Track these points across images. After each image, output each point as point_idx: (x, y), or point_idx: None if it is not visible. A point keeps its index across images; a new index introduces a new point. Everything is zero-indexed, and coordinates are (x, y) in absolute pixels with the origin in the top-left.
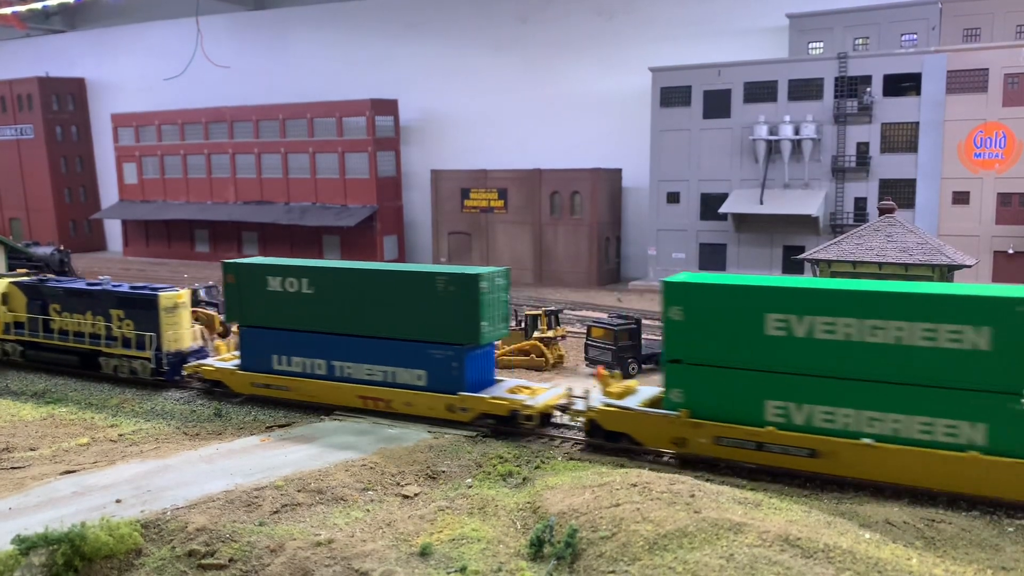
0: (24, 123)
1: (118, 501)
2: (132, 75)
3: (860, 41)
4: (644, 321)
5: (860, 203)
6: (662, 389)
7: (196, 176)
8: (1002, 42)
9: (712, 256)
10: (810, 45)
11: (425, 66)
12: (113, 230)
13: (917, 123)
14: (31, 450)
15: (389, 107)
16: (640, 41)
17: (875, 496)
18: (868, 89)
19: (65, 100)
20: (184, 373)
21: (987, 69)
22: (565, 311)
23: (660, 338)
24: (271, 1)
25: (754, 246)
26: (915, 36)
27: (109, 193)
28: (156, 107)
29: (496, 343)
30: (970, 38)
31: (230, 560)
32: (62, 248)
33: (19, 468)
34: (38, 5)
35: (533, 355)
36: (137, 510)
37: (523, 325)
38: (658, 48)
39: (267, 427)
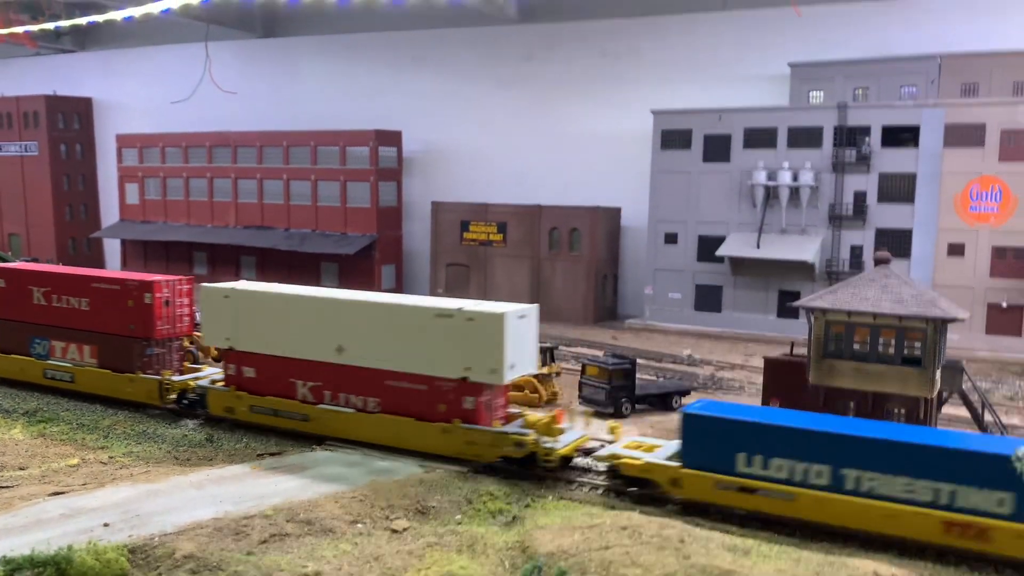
0: (29, 140)
1: (106, 525)
2: (139, 97)
3: (860, 91)
4: (639, 361)
5: (856, 251)
6: None
7: (198, 199)
8: (1000, 98)
9: (708, 298)
10: (810, 94)
11: (430, 99)
12: (112, 249)
13: (914, 174)
14: (20, 469)
15: (393, 138)
16: (643, 84)
17: (864, 547)
18: (867, 139)
19: (71, 118)
20: None
21: (984, 124)
22: (560, 347)
23: (655, 379)
24: (280, 30)
25: (750, 289)
26: (914, 89)
27: (110, 212)
28: (161, 129)
29: None
30: (968, 93)
31: None
32: (61, 266)
33: (8, 488)
34: (50, 25)
35: (527, 391)
36: (125, 535)
37: None
38: (660, 91)
39: (258, 455)
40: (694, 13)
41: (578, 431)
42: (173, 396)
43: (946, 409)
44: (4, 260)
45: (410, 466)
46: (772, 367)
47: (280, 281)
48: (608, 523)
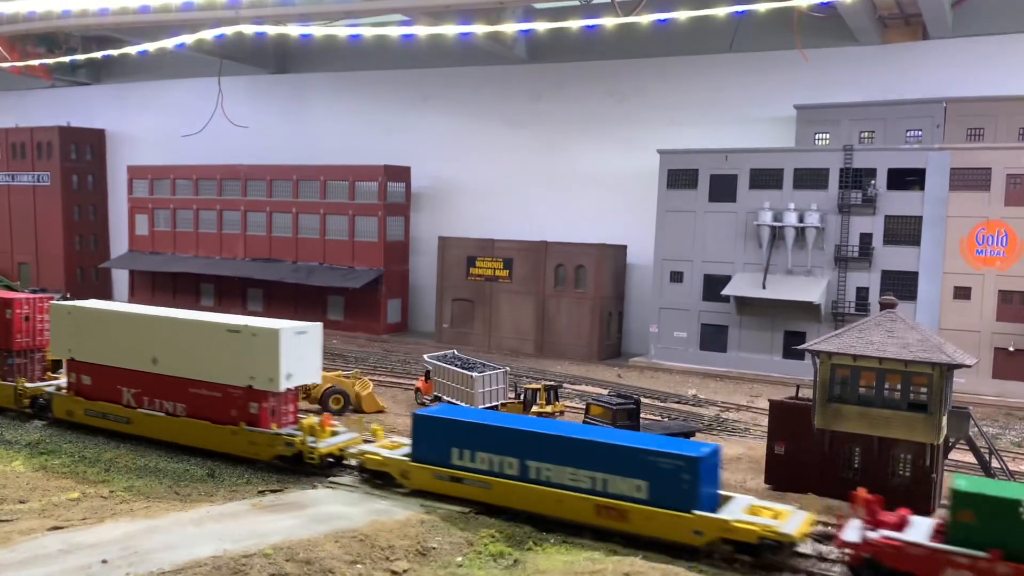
0: (42, 170)
1: (104, 561)
2: (151, 129)
3: (866, 135)
4: (644, 400)
5: (862, 293)
6: None
7: (207, 231)
8: (1005, 143)
9: (714, 337)
10: (817, 136)
11: (439, 136)
12: (120, 279)
13: (920, 217)
14: (20, 503)
15: (402, 174)
16: (650, 124)
17: None
18: (873, 182)
19: (84, 150)
20: None
21: (990, 168)
22: (564, 385)
23: (660, 419)
24: (292, 66)
25: (756, 329)
26: (920, 132)
27: (119, 243)
28: (172, 161)
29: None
30: (974, 138)
31: None
32: (68, 295)
33: (7, 521)
34: (65, 58)
35: None
36: (122, 572)
37: (522, 399)
38: (667, 131)
39: (259, 491)
40: (701, 55)
41: (350, 434)
42: (27, 400)
43: (953, 455)
44: (11, 288)
45: (411, 506)
46: (777, 410)
47: (287, 314)
48: (611, 568)
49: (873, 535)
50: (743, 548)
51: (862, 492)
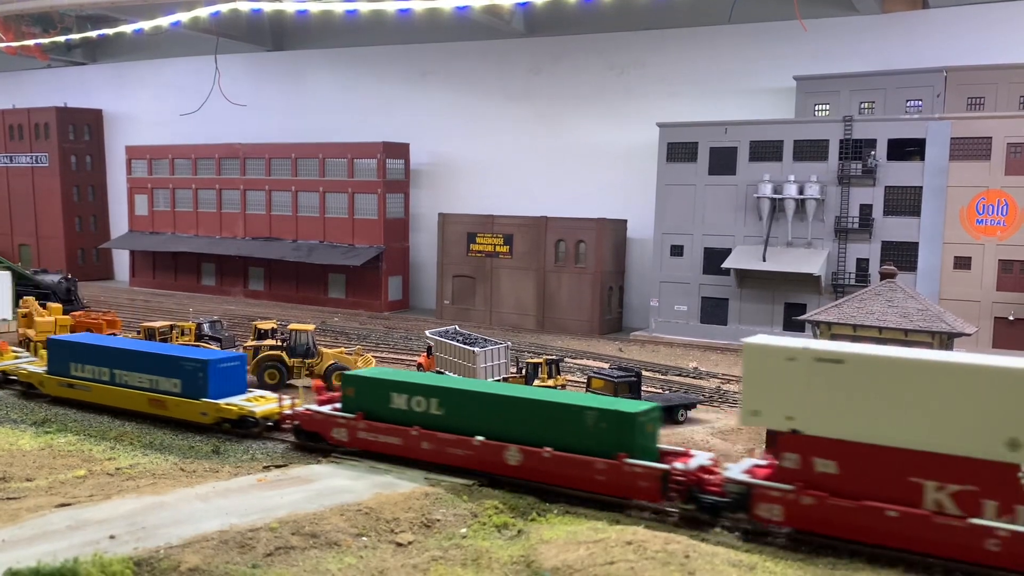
0: (40, 151)
1: (112, 537)
2: (149, 109)
3: (866, 105)
4: (644, 373)
5: (862, 264)
6: None
7: (206, 210)
8: (1006, 112)
9: (714, 310)
10: (816, 107)
11: (437, 112)
12: (121, 260)
13: (920, 187)
14: (27, 480)
15: (400, 150)
16: (649, 97)
17: (871, 563)
18: (872, 152)
19: (81, 130)
20: None
21: (990, 138)
22: (566, 359)
23: (661, 391)
24: (289, 43)
25: (756, 302)
26: (920, 102)
27: (119, 223)
28: (170, 141)
29: None
30: (974, 107)
31: None
32: (69, 276)
33: (14, 499)
34: (61, 38)
35: None
36: (131, 547)
37: (524, 373)
38: (666, 104)
39: (264, 467)
40: (699, 27)
41: (30, 358)
42: None
43: None
44: (12, 270)
45: (416, 479)
46: None
47: (288, 293)
48: (613, 538)
49: (300, 409)
50: (234, 423)
51: (316, 383)
